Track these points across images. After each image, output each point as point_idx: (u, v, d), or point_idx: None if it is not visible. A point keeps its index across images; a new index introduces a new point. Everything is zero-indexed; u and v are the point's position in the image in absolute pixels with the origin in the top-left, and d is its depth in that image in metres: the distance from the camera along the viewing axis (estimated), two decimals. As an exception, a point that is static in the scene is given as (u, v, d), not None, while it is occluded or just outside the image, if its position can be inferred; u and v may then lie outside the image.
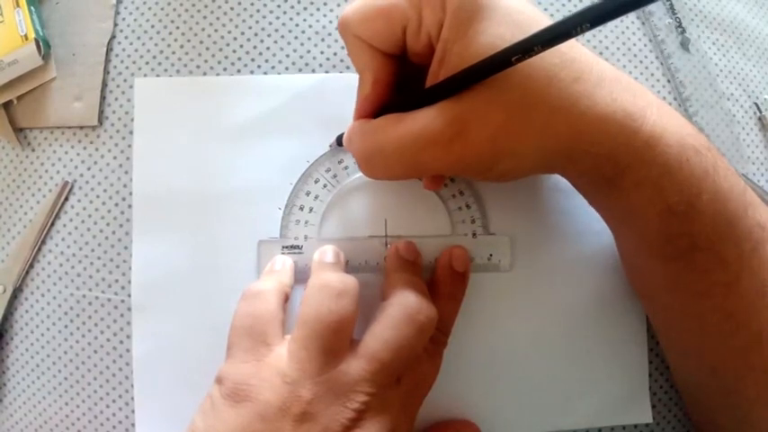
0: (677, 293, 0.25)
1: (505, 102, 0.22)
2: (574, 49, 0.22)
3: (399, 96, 0.25)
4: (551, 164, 0.24)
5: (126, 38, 0.31)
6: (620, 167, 0.23)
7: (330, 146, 0.30)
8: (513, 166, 0.24)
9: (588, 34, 0.33)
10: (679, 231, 0.23)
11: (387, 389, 0.24)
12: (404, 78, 0.25)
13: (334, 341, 0.24)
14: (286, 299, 0.27)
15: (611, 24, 0.33)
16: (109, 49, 0.31)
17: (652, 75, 0.33)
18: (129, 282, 0.29)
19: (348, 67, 0.31)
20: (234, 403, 0.23)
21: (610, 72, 0.23)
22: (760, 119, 0.34)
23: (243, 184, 0.30)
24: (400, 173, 0.25)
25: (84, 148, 0.30)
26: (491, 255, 0.29)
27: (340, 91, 0.31)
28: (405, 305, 0.24)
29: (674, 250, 0.24)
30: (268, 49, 0.31)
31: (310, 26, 0.32)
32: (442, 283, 0.28)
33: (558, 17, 0.33)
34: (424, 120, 0.23)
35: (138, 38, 0.31)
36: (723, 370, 0.26)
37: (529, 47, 0.20)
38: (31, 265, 0.30)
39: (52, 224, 0.30)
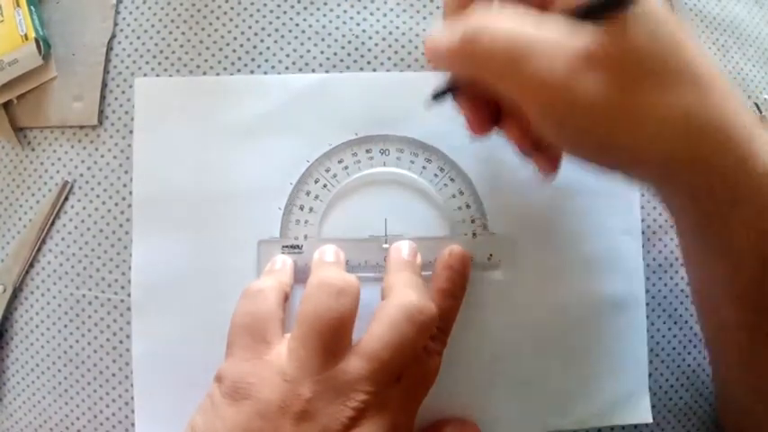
0: (753, 347, 0.24)
1: (652, 54, 0.19)
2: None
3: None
4: (670, 165, 0.21)
5: (126, 37, 0.31)
6: (734, 198, 0.21)
7: (432, 94, 0.26)
8: (632, 144, 0.20)
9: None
10: None
11: (387, 388, 0.24)
12: None
13: (334, 339, 0.23)
14: (286, 298, 0.27)
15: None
16: (109, 49, 0.31)
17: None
18: (129, 281, 0.29)
19: (348, 67, 0.31)
20: (233, 401, 0.23)
21: (734, 92, 0.21)
22: (760, 119, 0.34)
23: (243, 183, 0.30)
24: (491, 69, 0.21)
25: (84, 148, 0.30)
26: (491, 255, 0.29)
27: (340, 90, 0.31)
28: (405, 305, 0.24)
29: (760, 299, 0.22)
30: (268, 49, 0.31)
31: (310, 26, 0.32)
32: (442, 281, 0.28)
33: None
34: (558, 25, 0.20)
35: (138, 37, 0.31)
36: None
37: None
38: (31, 265, 0.30)
39: (52, 224, 0.30)
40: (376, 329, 0.24)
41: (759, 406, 0.26)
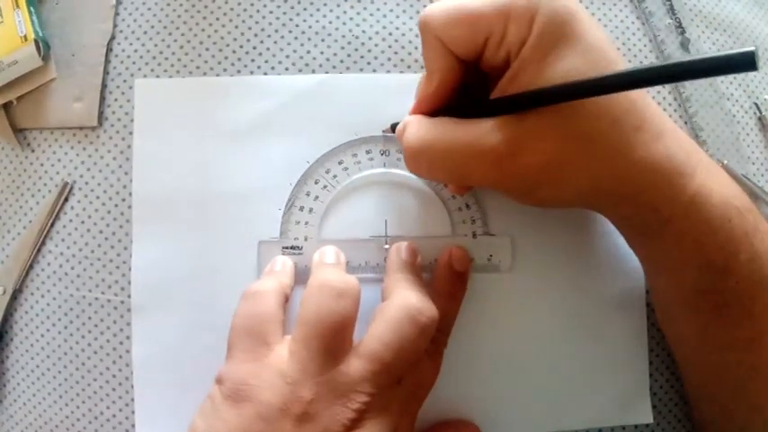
0: (704, 343, 0.26)
1: (565, 132, 0.22)
2: (642, 98, 0.23)
3: (460, 100, 0.26)
4: (593, 202, 0.25)
5: (126, 38, 0.31)
6: (662, 219, 0.23)
7: (383, 131, 0.30)
8: (554, 196, 0.25)
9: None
10: (713, 287, 0.24)
11: (388, 389, 0.24)
12: (465, 83, 0.26)
13: (335, 341, 0.23)
14: (286, 299, 0.27)
15: (610, 24, 0.33)
16: (108, 50, 0.31)
17: (652, 75, 0.33)
18: (129, 282, 0.29)
19: (348, 68, 0.31)
20: (234, 403, 0.23)
21: (669, 126, 0.24)
22: (760, 119, 0.34)
23: (243, 184, 0.30)
24: (442, 175, 0.26)
25: (84, 149, 0.30)
26: (491, 255, 0.29)
27: (340, 91, 0.31)
28: (406, 306, 0.24)
29: (706, 303, 0.25)
30: (268, 49, 0.31)
31: (310, 26, 0.32)
32: (442, 282, 0.28)
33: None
34: (480, 130, 0.23)
35: (138, 38, 0.31)
36: (736, 414, 0.27)
37: (604, 85, 0.21)
38: (31, 266, 0.30)
39: (52, 225, 0.30)
40: (377, 330, 0.24)
41: (725, 422, 0.28)
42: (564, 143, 0.22)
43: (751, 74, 0.34)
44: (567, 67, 0.22)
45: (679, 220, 0.23)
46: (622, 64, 0.23)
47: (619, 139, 0.22)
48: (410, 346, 0.24)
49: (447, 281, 0.28)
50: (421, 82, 0.27)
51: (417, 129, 0.25)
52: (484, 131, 0.23)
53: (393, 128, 0.29)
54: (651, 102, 0.24)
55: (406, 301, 0.24)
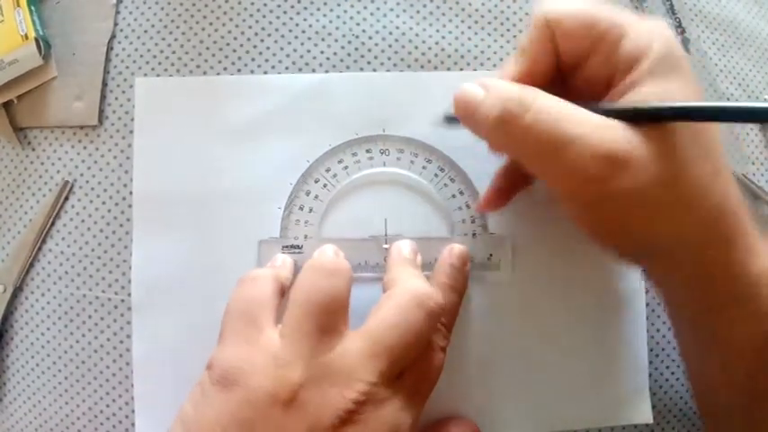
0: (745, 428, 0.25)
1: (680, 161, 0.21)
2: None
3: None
4: (674, 253, 0.23)
5: (126, 37, 0.31)
6: (733, 295, 0.23)
7: (446, 117, 0.27)
8: (638, 230, 0.23)
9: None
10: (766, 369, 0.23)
11: (390, 379, 0.22)
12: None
13: (327, 321, 0.23)
14: (283, 290, 0.26)
15: (611, 24, 0.33)
16: (109, 49, 0.31)
17: (652, 75, 0.33)
18: (129, 281, 0.29)
19: (348, 67, 0.31)
20: (223, 388, 0.22)
21: (743, 203, 0.23)
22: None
23: (243, 183, 0.30)
24: (531, 149, 0.22)
25: (85, 148, 0.30)
26: (491, 255, 0.29)
27: (340, 90, 0.31)
28: (413, 290, 0.23)
29: (756, 388, 0.24)
30: (268, 48, 0.31)
31: (310, 26, 0.32)
32: (443, 276, 0.27)
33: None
34: (604, 122, 0.21)
35: (139, 37, 0.31)
36: None
37: (751, 113, 0.21)
38: (31, 265, 0.30)
39: (52, 224, 0.30)
40: (381, 314, 0.23)
41: None
42: (675, 172, 0.21)
43: (751, 74, 0.34)
44: (682, 95, 0.22)
45: (748, 300, 0.23)
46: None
47: (717, 189, 0.22)
48: (417, 333, 0.23)
49: (448, 276, 0.27)
50: (508, 64, 0.25)
51: (518, 86, 0.22)
52: (608, 125, 0.21)
53: (450, 119, 0.26)
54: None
55: (413, 285, 0.24)
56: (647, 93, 0.22)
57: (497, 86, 0.23)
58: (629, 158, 0.21)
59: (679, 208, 0.22)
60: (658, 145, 0.21)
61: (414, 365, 0.24)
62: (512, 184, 0.28)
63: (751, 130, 0.34)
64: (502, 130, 0.22)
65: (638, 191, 0.21)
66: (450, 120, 0.26)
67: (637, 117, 0.21)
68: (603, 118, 0.21)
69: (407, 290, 0.24)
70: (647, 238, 0.23)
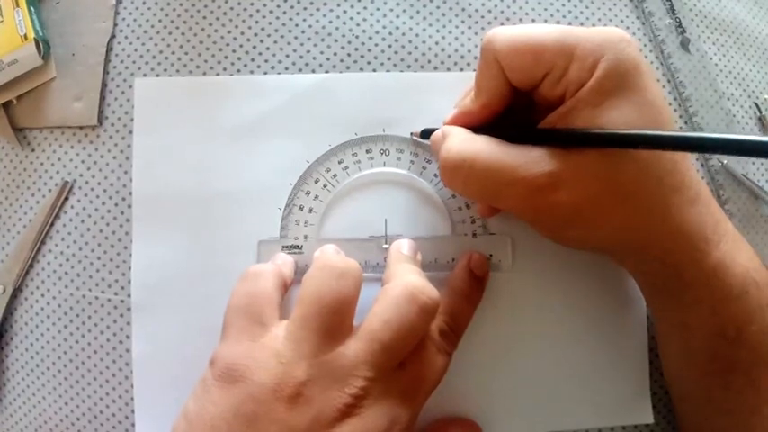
0: (708, 405, 0.27)
1: (608, 179, 0.23)
2: (684, 160, 0.24)
3: (500, 120, 0.26)
4: (619, 253, 0.26)
5: (126, 38, 0.31)
6: (684, 283, 0.24)
7: (412, 134, 0.30)
8: (582, 238, 0.25)
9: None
10: (723, 353, 0.25)
11: (388, 374, 0.23)
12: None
13: (334, 321, 0.23)
14: (285, 286, 0.27)
15: (611, 24, 0.33)
16: (108, 49, 0.31)
17: (652, 75, 0.33)
18: (129, 282, 0.29)
19: (348, 68, 0.31)
20: (226, 384, 0.22)
21: (703, 191, 0.24)
22: (760, 119, 0.34)
23: (243, 184, 0.30)
24: (476, 194, 0.26)
25: (84, 148, 0.30)
26: (491, 255, 0.29)
27: (340, 91, 0.31)
28: (406, 285, 0.24)
29: (714, 368, 0.25)
30: (268, 49, 0.31)
31: (310, 26, 0.32)
32: (459, 282, 0.28)
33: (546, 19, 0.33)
34: (524, 158, 0.23)
35: (138, 38, 0.31)
36: None
37: (659, 141, 0.21)
38: (31, 265, 0.30)
39: (52, 224, 0.30)
40: (376, 310, 0.23)
41: None
42: (605, 188, 0.23)
43: (751, 74, 0.34)
44: (622, 118, 0.22)
45: (700, 286, 0.24)
46: (673, 124, 0.24)
47: (657, 198, 0.23)
48: (411, 326, 0.23)
49: (464, 281, 0.28)
50: (466, 92, 0.27)
51: (460, 142, 0.25)
52: (528, 159, 0.23)
53: (424, 134, 0.29)
54: (691, 166, 0.24)
55: (406, 280, 0.24)
56: (585, 115, 0.23)
57: (446, 141, 0.25)
58: (550, 185, 0.23)
59: (604, 220, 0.23)
60: (581, 166, 0.22)
61: (414, 362, 0.24)
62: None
63: (751, 131, 0.34)
64: (454, 181, 0.25)
65: (562, 209, 0.23)
66: (424, 135, 0.29)
67: (561, 141, 0.23)
68: (531, 151, 0.23)
69: (400, 284, 0.24)
70: (589, 243, 0.26)
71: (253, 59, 0.31)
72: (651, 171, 0.23)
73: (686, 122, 0.33)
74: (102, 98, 0.31)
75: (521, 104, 0.26)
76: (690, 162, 0.24)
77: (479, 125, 0.26)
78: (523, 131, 0.24)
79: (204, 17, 0.31)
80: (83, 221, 0.30)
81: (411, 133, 0.30)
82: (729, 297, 0.24)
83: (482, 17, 0.32)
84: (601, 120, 0.22)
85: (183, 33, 0.31)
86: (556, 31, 0.23)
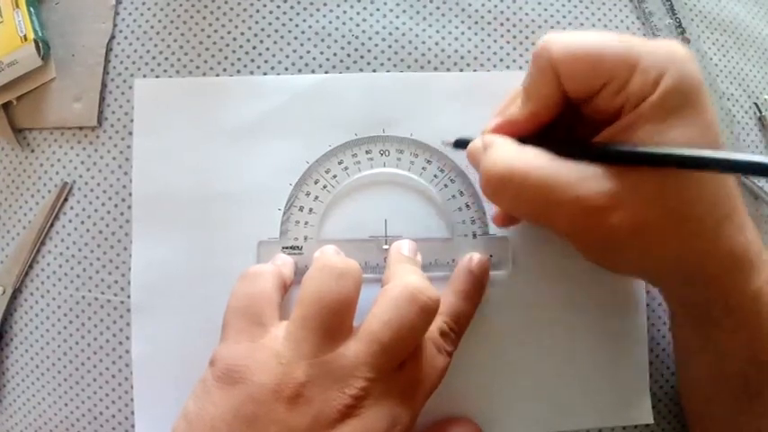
0: (732, 426, 0.27)
1: (665, 204, 0.22)
2: (735, 187, 0.23)
3: (547, 132, 0.25)
4: (665, 279, 0.25)
5: (125, 38, 0.31)
6: (727, 309, 0.24)
7: (444, 143, 0.29)
8: (631, 261, 0.24)
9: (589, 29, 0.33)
10: (755, 378, 0.25)
11: (388, 374, 0.23)
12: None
13: (334, 322, 0.23)
14: (284, 287, 0.27)
15: (611, 24, 0.33)
16: (108, 50, 0.31)
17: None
18: (129, 283, 0.29)
19: (348, 68, 0.31)
20: (225, 385, 0.22)
21: (749, 220, 0.24)
22: (760, 119, 0.34)
23: (242, 184, 0.30)
24: (523, 209, 0.24)
25: (84, 149, 0.30)
26: (491, 255, 0.29)
27: (340, 91, 0.31)
28: (406, 285, 0.24)
29: (744, 392, 0.25)
30: (268, 49, 0.31)
31: (310, 26, 0.32)
32: (460, 282, 0.28)
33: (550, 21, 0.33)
34: (581, 174, 0.22)
35: (138, 38, 0.31)
36: None
37: (731, 166, 0.20)
38: (31, 266, 0.30)
39: (51, 225, 0.30)
40: (376, 311, 0.23)
41: None
42: (664, 213, 0.22)
43: (751, 74, 0.34)
44: (686, 137, 0.21)
45: (741, 312, 0.24)
46: (725, 147, 0.23)
47: (712, 224, 0.22)
48: (410, 326, 0.23)
49: (465, 281, 0.28)
50: (510, 100, 0.26)
51: (508, 153, 0.23)
52: (585, 176, 0.22)
53: (458, 144, 0.28)
54: (739, 194, 0.23)
55: (406, 281, 0.24)
56: (646, 132, 0.21)
57: (491, 152, 0.24)
58: (608, 208, 0.21)
59: (656, 246, 0.22)
60: (642, 187, 0.22)
61: (414, 362, 0.24)
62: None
63: (751, 131, 0.34)
64: (499, 196, 0.24)
65: (616, 233, 0.22)
66: (458, 144, 0.28)
67: (620, 160, 0.22)
68: (587, 168, 0.22)
69: (400, 285, 0.24)
70: (628, 269, 0.25)
71: (253, 60, 0.31)
72: (708, 195, 0.22)
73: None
74: (102, 99, 0.31)
75: (565, 118, 0.24)
76: (738, 191, 0.23)
77: (526, 135, 0.24)
78: (579, 146, 0.23)
79: (204, 17, 0.31)
80: (82, 222, 0.30)
81: (442, 141, 0.29)
82: (765, 322, 0.24)
83: (482, 17, 0.32)
84: (663, 137, 0.21)
85: (182, 34, 0.31)
86: (617, 40, 0.22)
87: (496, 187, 0.23)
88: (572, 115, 0.24)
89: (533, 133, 0.24)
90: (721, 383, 0.26)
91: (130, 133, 0.30)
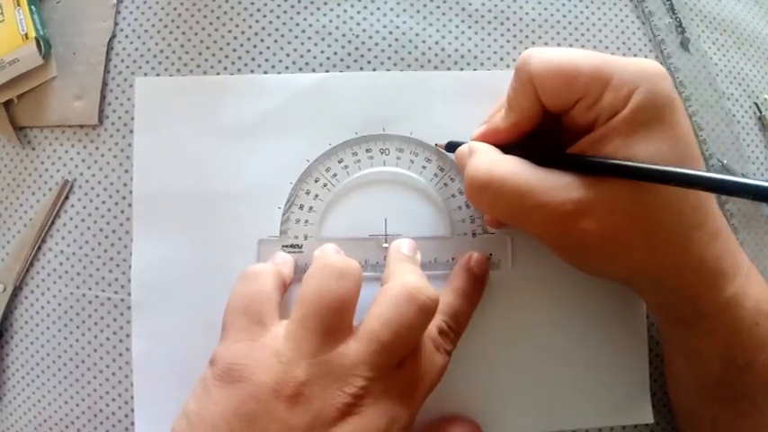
0: (714, 427, 0.27)
1: (635, 212, 0.23)
2: (708, 197, 0.24)
3: (528, 141, 0.26)
4: (637, 283, 0.26)
5: (126, 37, 0.31)
6: (699, 314, 0.24)
7: (436, 145, 0.30)
8: (601, 267, 0.25)
9: (587, 33, 0.33)
10: (732, 380, 0.25)
11: (387, 373, 0.23)
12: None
13: (334, 321, 0.23)
14: (284, 286, 0.27)
15: (611, 24, 0.33)
16: (109, 49, 0.31)
17: (652, 75, 0.33)
18: (129, 281, 0.29)
19: (348, 67, 0.31)
20: (226, 384, 0.22)
21: (725, 228, 0.25)
22: (760, 119, 0.34)
23: (243, 183, 0.30)
24: (500, 214, 0.26)
25: (85, 147, 0.30)
26: (491, 254, 0.29)
27: (340, 90, 0.31)
28: (405, 284, 0.24)
29: (721, 393, 0.26)
30: (268, 48, 0.31)
31: (310, 26, 0.32)
32: (460, 280, 0.28)
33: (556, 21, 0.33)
34: (554, 183, 0.23)
35: (139, 37, 0.31)
36: None
37: (695, 182, 0.21)
38: (31, 264, 0.30)
39: (52, 223, 0.30)
40: (375, 310, 0.23)
41: None
42: (631, 221, 0.23)
43: (751, 74, 0.34)
44: (653, 151, 0.22)
45: (714, 318, 0.24)
46: (701, 160, 0.24)
47: (680, 233, 0.23)
48: (410, 325, 0.23)
49: (464, 280, 0.28)
50: (496, 109, 0.27)
51: (489, 161, 0.25)
52: (557, 184, 0.23)
53: (449, 146, 0.29)
54: (713, 201, 0.24)
55: (405, 280, 0.24)
56: (616, 144, 0.23)
57: (474, 158, 0.25)
58: (581, 215, 0.23)
59: (627, 250, 0.24)
60: (609, 196, 0.23)
61: (413, 361, 0.24)
62: None
63: (751, 131, 0.34)
64: (480, 200, 0.25)
65: (589, 238, 0.23)
66: (450, 148, 0.29)
67: (591, 169, 0.23)
68: (560, 177, 0.23)
69: (399, 284, 0.24)
70: (603, 273, 0.26)
71: (253, 58, 0.31)
72: (676, 206, 0.23)
73: (686, 122, 0.33)
74: (103, 97, 0.31)
75: (548, 126, 0.26)
76: (712, 199, 0.24)
77: (508, 144, 0.26)
78: (554, 156, 0.24)
79: (204, 17, 0.31)
80: (83, 220, 0.30)
81: (435, 144, 0.30)
82: (741, 328, 0.24)
83: (482, 17, 0.32)
84: (631, 150, 0.22)
85: (183, 33, 0.31)
86: (592, 57, 0.23)
87: (478, 191, 0.25)
88: (554, 124, 0.25)
89: (515, 142, 0.26)
90: (699, 384, 0.27)
91: (131, 131, 0.30)
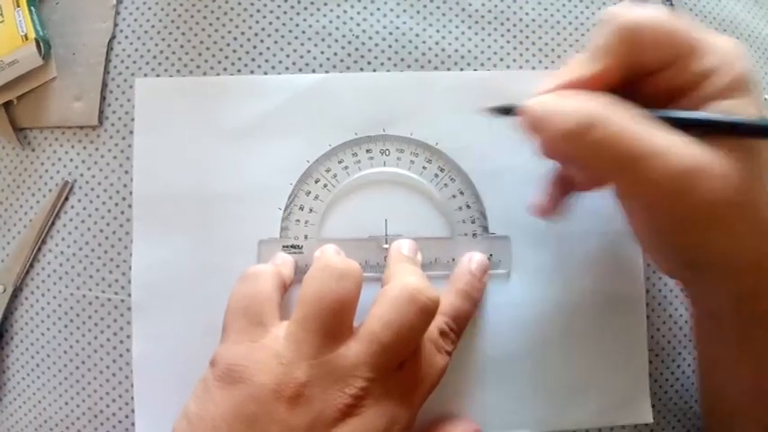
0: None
1: (750, 182, 0.21)
2: None
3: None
4: (722, 268, 0.23)
5: (126, 38, 0.31)
6: None
7: (486, 108, 0.25)
8: (694, 241, 0.22)
9: (587, 33, 0.33)
10: None
11: (388, 374, 0.23)
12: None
13: (334, 323, 0.23)
14: (284, 286, 0.27)
15: (611, 24, 0.33)
16: (109, 49, 0.31)
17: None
18: (129, 281, 0.29)
19: (348, 68, 0.31)
20: (226, 385, 0.22)
21: None
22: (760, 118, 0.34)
23: (243, 183, 0.30)
24: (605, 161, 0.21)
25: (85, 148, 0.30)
26: (491, 255, 0.29)
27: (340, 91, 0.31)
28: (405, 285, 0.24)
29: None
30: (268, 49, 0.31)
31: (310, 26, 0.32)
32: (461, 282, 0.28)
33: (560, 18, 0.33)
34: (671, 139, 0.20)
35: (139, 38, 0.31)
36: None
37: None
38: (31, 265, 0.30)
39: (52, 224, 0.30)
40: (376, 311, 0.23)
41: None
42: (746, 191, 0.21)
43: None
44: (754, 114, 0.21)
45: None
46: None
47: None
48: (410, 326, 0.23)
49: (464, 281, 0.28)
50: (569, 67, 0.23)
51: (584, 101, 0.21)
52: (676, 142, 0.20)
53: (502, 110, 0.24)
54: None
55: (405, 281, 0.24)
56: (728, 106, 0.21)
57: (561, 102, 0.22)
58: (705, 175, 0.20)
59: (744, 224, 0.21)
60: (735, 160, 0.20)
61: (414, 362, 0.24)
62: (563, 191, 0.27)
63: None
64: (577, 143, 0.21)
65: (710, 206, 0.20)
66: (498, 110, 0.25)
67: (718, 129, 0.21)
68: (679, 134, 0.21)
69: (400, 285, 0.24)
70: (704, 251, 0.22)
71: (253, 59, 0.31)
72: None
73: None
74: (103, 98, 0.31)
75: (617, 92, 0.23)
76: None
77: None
78: (661, 114, 0.21)
79: (204, 17, 0.31)
80: (83, 221, 0.30)
81: (483, 108, 0.25)
82: None
83: (482, 17, 0.32)
84: (742, 113, 0.21)
85: (183, 33, 0.31)
86: (686, 20, 0.22)
87: (572, 134, 0.21)
88: (628, 97, 0.22)
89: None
90: (757, 400, 0.25)
91: (131, 132, 0.30)
